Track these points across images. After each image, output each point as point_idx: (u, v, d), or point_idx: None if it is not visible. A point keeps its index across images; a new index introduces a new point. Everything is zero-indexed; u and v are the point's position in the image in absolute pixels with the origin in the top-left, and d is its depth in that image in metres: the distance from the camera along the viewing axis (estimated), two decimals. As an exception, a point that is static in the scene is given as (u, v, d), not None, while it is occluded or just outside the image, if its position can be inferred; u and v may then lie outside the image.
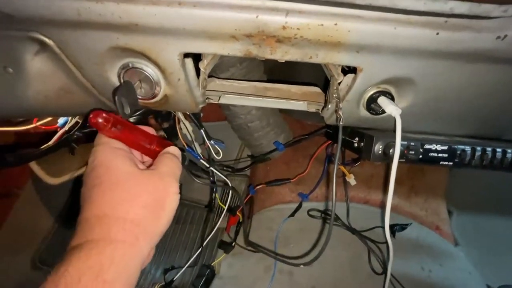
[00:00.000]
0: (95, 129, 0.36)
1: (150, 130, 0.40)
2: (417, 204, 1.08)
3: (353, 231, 0.90)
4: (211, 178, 0.72)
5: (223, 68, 0.67)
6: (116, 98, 0.36)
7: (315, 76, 0.64)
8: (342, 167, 0.90)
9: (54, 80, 0.39)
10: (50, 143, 0.52)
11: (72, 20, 0.31)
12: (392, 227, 0.93)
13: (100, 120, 0.32)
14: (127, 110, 0.38)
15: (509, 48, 0.32)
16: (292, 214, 0.96)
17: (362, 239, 0.89)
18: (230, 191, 0.84)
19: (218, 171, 0.71)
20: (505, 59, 0.34)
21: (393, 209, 1.04)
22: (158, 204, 0.33)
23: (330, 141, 0.82)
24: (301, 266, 0.64)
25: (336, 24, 0.30)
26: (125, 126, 0.35)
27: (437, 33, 0.31)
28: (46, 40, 0.34)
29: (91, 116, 0.32)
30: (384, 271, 0.82)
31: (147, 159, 0.41)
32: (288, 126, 0.98)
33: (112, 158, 0.33)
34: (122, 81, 0.40)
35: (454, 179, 1.15)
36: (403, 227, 0.93)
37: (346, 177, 0.91)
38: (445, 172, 1.12)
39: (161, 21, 0.31)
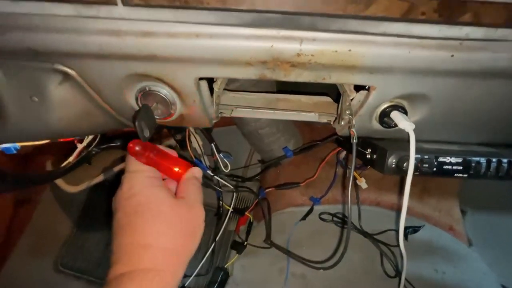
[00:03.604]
0: (112, 145, 0.38)
1: (174, 153, 0.42)
2: (430, 204, 1.07)
3: (365, 234, 0.91)
4: (217, 187, 0.74)
5: (233, 79, 0.68)
6: (137, 123, 0.37)
7: (326, 85, 0.64)
8: (354, 172, 0.90)
9: (76, 105, 0.41)
10: (71, 159, 0.54)
11: (94, 53, 0.32)
12: (404, 229, 0.93)
13: (137, 149, 0.35)
14: (147, 133, 0.39)
15: (526, 66, 0.32)
16: (304, 218, 0.97)
17: (374, 242, 0.89)
18: (234, 194, 0.86)
19: (225, 180, 0.73)
20: (522, 76, 0.34)
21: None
22: (191, 232, 0.35)
23: (340, 148, 0.82)
24: (321, 270, 0.65)
25: (350, 50, 0.31)
26: (157, 151, 0.38)
27: (452, 55, 0.31)
28: (69, 71, 0.35)
29: (130, 145, 0.35)
30: (397, 274, 0.83)
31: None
32: (298, 131, 0.98)
33: (151, 187, 0.35)
34: (139, 103, 0.42)
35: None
36: (415, 229, 0.93)
37: (357, 181, 0.91)
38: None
39: (178, 52, 0.32)
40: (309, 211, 0.96)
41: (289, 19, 0.28)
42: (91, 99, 0.41)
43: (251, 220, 1.03)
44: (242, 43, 0.31)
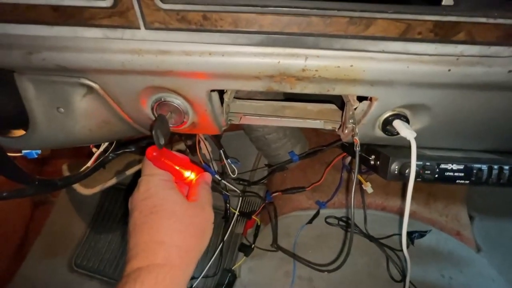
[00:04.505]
0: (127, 150, 0.41)
1: (186, 158, 0.45)
2: (437, 210, 1.07)
3: (371, 238, 0.92)
4: (225, 192, 0.76)
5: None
6: (153, 132, 0.40)
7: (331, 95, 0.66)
8: (359, 176, 0.91)
9: (97, 115, 0.44)
10: (89, 165, 0.57)
11: (117, 69, 0.35)
12: (410, 234, 0.94)
13: (155, 154, 0.39)
14: (162, 141, 0.42)
15: (521, 79, 0.33)
16: (310, 221, 0.98)
17: (380, 247, 0.90)
18: (241, 198, 0.89)
19: (232, 185, 0.75)
20: (517, 88, 0.35)
21: (411, 215, 1.04)
22: (202, 232, 0.38)
23: (345, 153, 0.84)
24: (326, 272, 0.67)
25: (352, 66, 0.33)
26: (172, 157, 0.41)
27: (449, 70, 0.33)
28: (93, 84, 0.39)
29: (148, 151, 0.39)
30: (403, 279, 0.84)
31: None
32: (304, 136, 1.01)
33: (166, 189, 0.38)
34: (154, 112, 0.45)
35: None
36: (422, 234, 0.93)
37: (363, 185, 0.92)
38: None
39: (193, 67, 0.35)
40: (315, 215, 0.98)
41: (294, 39, 0.31)
42: (111, 110, 0.44)
43: (258, 224, 1.05)
44: (251, 60, 0.33)
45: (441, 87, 0.37)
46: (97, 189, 0.97)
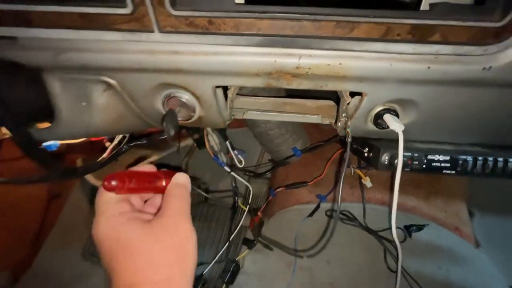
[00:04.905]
0: (139, 142, 0.45)
1: (152, 168, 0.40)
2: (437, 206, 1.10)
3: (369, 231, 0.95)
4: (233, 184, 0.81)
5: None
6: (164, 124, 0.45)
7: (329, 91, 0.70)
8: (358, 171, 0.95)
9: (114, 109, 0.49)
10: (105, 156, 0.62)
11: (132, 67, 0.40)
12: (408, 227, 0.96)
13: (114, 184, 0.33)
14: (172, 132, 0.47)
15: (496, 76, 0.37)
16: (311, 214, 1.02)
17: (378, 239, 0.93)
18: (251, 193, 0.93)
19: (240, 176, 0.79)
20: (494, 84, 0.39)
21: (411, 210, 1.07)
22: (181, 251, 0.32)
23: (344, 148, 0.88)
24: (305, 257, 0.71)
25: (340, 64, 0.37)
26: (136, 176, 0.36)
27: (428, 67, 0.36)
28: (112, 81, 0.44)
29: (105, 183, 0.33)
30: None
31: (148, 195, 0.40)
32: (306, 132, 1.04)
33: (117, 226, 0.32)
34: (165, 107, 0.50)
35: (476, 180, 1.15)
36: (419, 227, 0.96)
37: (362, 180, 0.95)
38: (465, 173, 1.13)
39: (200, 66, 0.39)
40: (316, 208, 1.02)
41: (289, 41, 0.35)
42: (127, 104, 0.49)
43: (263, 220, 1.09)
44: (251, 59, 0.38)
45: (424, 83, 0.40)
46: (109, 181, 1.03)
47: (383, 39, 0.33)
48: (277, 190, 1.07)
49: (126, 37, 0.36)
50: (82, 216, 1.28)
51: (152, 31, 0.35)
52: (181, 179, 0.38)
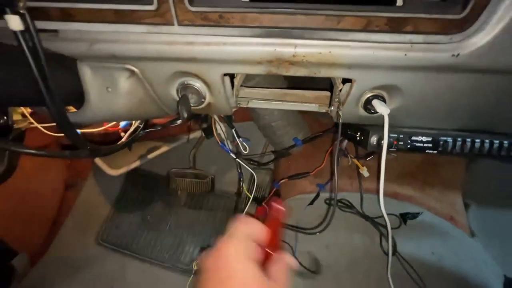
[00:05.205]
0: (153, 129, 0.51)
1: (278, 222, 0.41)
2: (432, 196, 1.14)
3: (366, 218, 1.01)
4: (239, 170, 0.87)
5: (250, 77, 0.82)
6: (179, 107, 0.52)
7: (327, 82, 0.77)
8: (355, 161, 1.01)
9: (135, 95, 0.56)
10: (123, 140, 0.70)
11: (154, 56, 0.47)
12: (404, 215, 1.02)
13: (282, 208, 0.35)
14: (185, 115, 0.54)
15: (464, 62, 0.43)
16: (311, 203, 1.08)
17: (374, 225, 0.99)
18: (256, 181, 0.99)
19: (245, 163, 0.86)
20: (465, 70, 0.45)
21: (407, 200, 1.12)
22: None
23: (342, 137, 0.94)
24: (317, 233, 0.77)
25: (330, 52, 0.43)
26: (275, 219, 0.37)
27: (405, 54, 0.43)
28: (135, 69, 0.51)
29: (273, 203, 0.35)
30: (394, 253, 0.92)
31: None
32: (306, 125, 1.11)
33: (246, 260, 0.32)
34: (179, 94, 0.57)
35: (472, 172, 1.19)
36: (414, 215, 1.01)
37: (360, 170, 1.01)
38: (461, 165, 1.17)
39: (211, 55, 0.46)
40: (316, 197, 1.08)
41: (285, 32, 0.42)
42: (146, 91, 0.56)
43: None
44: (254, 48, 0.44)
45: (404, 69, 0.46)
46: (123, 170, 1.11)
47: (365, 29, 0.40)
48: (281, 181, 1.13)
49: (150, 30, 0.43)
50: (96, 205, 1.37)
51: (173, 25, 0.42)
52: (291, 262, 0.38)
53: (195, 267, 1.06)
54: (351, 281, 0.92)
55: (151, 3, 0.40)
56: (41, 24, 0.45)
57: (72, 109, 0.61)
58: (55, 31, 0.47)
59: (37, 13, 0.44)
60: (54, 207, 1.36)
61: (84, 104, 0.56)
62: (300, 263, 0.93)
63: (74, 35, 0.46)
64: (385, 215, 0.63)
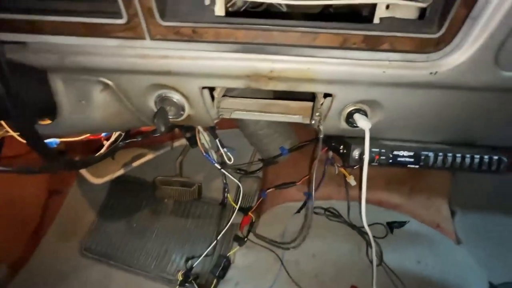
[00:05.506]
0: (134, 140, 0.49)
1: None
2: (419, 203, 1.15)
3: (353, 226, 1.00)
4: (224, 180, 0.86)
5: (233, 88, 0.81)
6: (156, 121, 0.50)
7: (312, 93, 0.76)
8: (342, 169, 1.00)
9: (111, 108, 0.55)
10: (102, 151, 0.68)
11: (127, 70, 0.46)
12: (391, 224, 1.02)
13: None
14: (162, 128, 0.53)
15: (442, 80, 0.42)
16: (298, 211, 1.07)
17: (361, 234, 0.98)
18: (241, 191, 0.98)
19: (231, 173, 0.85)
20: (444, 87, 0.44)
21: (394, 207, 1.12)
22: None
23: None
24: (291, 249, 0.75)
25: (308, 68, 0.43)
26: None
27: (384, 71, 0.42)
28: (109, 82, 0.49)
29: None
30: (380, 263, 0.92)
31: None
32: (294, 133, 1.10)
33: None
34: (157, 106, 0.55)
35: (458, 179, 1.20)
36: (401, 224, 1.01)
37: (347, 178, 1.01)
38: (447, 172, 1.18)
39: (186, 69, 0.45)
40: (303, 205, 1.07)
41: (262, 47, 0.41)
42: (122, 103, 0.54)
43: (253, 220, 1.14)
44: (231, 63, 0.43)
45: (384, 86, 0.46)
46: (107, 178, 1.08)
47: (342, 47, 0.39)
48: (268, 191, 1.12)
49: (122, 44, 0.42)
50: (81, 212, 1.33)
51: (144, 39, 0.41)
52: None
53: (180, 278, 1.04)
54: (337, 291, 0.92)
55: (121, 17, 0.38)
56: (8, 36, 0.43)
57: (47, 121, 0.59)
58: (24, 43, 0.45)
59: (3, 25, 0.42)
60: (37, 215, 1.32)
61: (58, 116, 0.54)
62: (289, 275, 0.92)
63: (44, 47, 0.45)
64: (367, 229, 0.62)
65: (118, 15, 0.39)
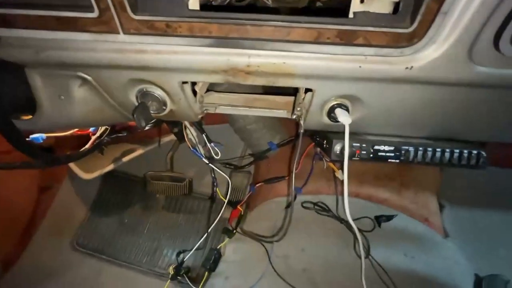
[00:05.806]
0: (119, 135, 0.49)
1: None
2: (408, 197, 1.16)
3: (341, 220, 1.01)
4: (213, 175, 0.86)
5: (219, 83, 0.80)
6: (135, 115, 0.50)
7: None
8: (331, 164, 1.01)
9: (92, 102, 0.54)
10: (87, 146, 0.67)
11: (105, 64, 0.45)
12: (378, 217, 1.03)
13: None
14: (143, 123, 0.52)
15: (418, 74, 0.42)
16: (288, 206, 1.08)
17: (349, 228, 0.99)
18: (230, 185, 0.98)
19: (219, 169, 0.85)
20: (420, 82, 0.44)
21: (383, 202, 1.13)
22: None
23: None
24: (280, 242, 0.76)
25: (284, 62, 0.42)
26: None
27: (360, 66, 0.42)
28: (87, 77, 0.49)
29: None
30: (367, 256, 0.93)
31: None
32: (283, 128, 1.10)
33: None
34: (139, 101, 0.55)
35: (447, 174, 1.21)
36: (388, 217, 1.02)
37: (336, 173, 1.02)
38: (436, 168, 1.19)
39: (163, 64, 0.44)
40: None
41: (237, 42, 0.40)
42: (103, 98, 0.54)
43: (242, 213, 1.14)
44: (207, 58, 0.43)
45: (360, 81, 0.46)
46: (96, 173, 1.08)
47: (316, 41, 0.39)
48: (257, 185, 1.13)
49: (96, 38, 0.41)
50: (72, 208, 1.33)
51: (118, 33, 0.40)
52: None
53: (171, 272, 1.05)
54: (325, 285, 0.93)
55: (92, 11, 0.38)
56: (-19, 30, 0.43)
57: (28, 116, 0.58)
58: (-3, 37, 0.44)
59: (-26, 19, 0.41)
60: (28, 211, 1.32)
61: (37, 112, 0.54)
62: (275, 270, 0.93)
63: (18, 41, 0.44)
64: (351, 222, 0.63)
65: (90, 8, 0.38)
